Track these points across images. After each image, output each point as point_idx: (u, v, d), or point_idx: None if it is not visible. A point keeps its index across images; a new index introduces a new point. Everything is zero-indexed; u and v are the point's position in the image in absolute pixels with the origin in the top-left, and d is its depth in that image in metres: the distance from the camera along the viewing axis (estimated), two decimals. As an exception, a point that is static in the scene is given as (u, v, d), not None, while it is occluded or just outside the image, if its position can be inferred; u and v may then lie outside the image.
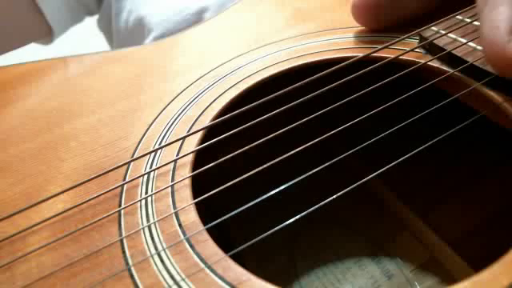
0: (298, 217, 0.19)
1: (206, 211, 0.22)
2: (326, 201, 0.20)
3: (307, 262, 0.29)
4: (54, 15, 0.48)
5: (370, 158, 0.24)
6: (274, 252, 0.30)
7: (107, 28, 0.54)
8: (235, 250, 0.18)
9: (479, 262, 0.18)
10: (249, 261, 0.29)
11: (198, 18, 0.45)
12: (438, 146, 0.23)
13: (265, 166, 0.21)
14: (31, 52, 0.51)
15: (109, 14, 0.52)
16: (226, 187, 0.21)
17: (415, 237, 0.29)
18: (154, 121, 0.26)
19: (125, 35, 0.51)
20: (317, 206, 0.20)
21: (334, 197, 0.20)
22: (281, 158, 0.22)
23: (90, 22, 0.57)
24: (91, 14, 0.54)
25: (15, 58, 0.48)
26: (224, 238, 0.30)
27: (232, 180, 0.21)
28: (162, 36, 0.45)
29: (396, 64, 0.27)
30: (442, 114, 0.24)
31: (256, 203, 0.20)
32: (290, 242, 0.30)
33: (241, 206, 0.20)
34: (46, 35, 0.50)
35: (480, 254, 0.20)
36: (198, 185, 0.22)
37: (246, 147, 0.22)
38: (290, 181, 0.21)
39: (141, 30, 0.47)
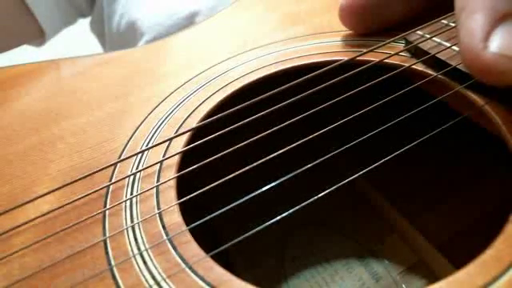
0: (279, 217, 0.19)
1: (195, 213, 0.22)
2: (308, 201, 0.20)
3: (295, 264, 0.30)
4: (45, 17, 0.48)
5: (360, 160, 0.24)
6: (262, 254, 0.30)
7: (100, 31, 0.54)
8: (216, 251, 0.18)
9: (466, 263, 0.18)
10: (237, 262, 0.29)
11: (189, 21, 0.45)
12: (435, 147, 0.23)
13: (250, 166, 0.21)
14: (25, 53, 0.52)
15: (101, 16, 0.52)
16: (213, 188, 0.21)
17: (403, 239, 0.30)
18: (142, 123, 0.26)
19: (117, 38, 0.51)
20: (299, 207, 0.20)
21: (318, 196, 0.20)
22: (267, 158, 0.22)
23: (84, 24, 0.57)
24: (84, 15, 0.55)
25: (7, 59, 0.49)
26: (213, 239, 0.30)
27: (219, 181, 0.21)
28: (154, 40, 0.45)
29: (382, 67, 0.27)
30: (432, 116, 0.25)
31: (245, 204, 0.20)
32: (279, 244, 0.30)
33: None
34: (38, 37, 0.50)
35: (469, 256, 0.20)
36: (187, 186, 0.22)
37: (231, 148, 0.22)
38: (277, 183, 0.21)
39: (133, 33, 0.47)
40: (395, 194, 0.31)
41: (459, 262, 0.26)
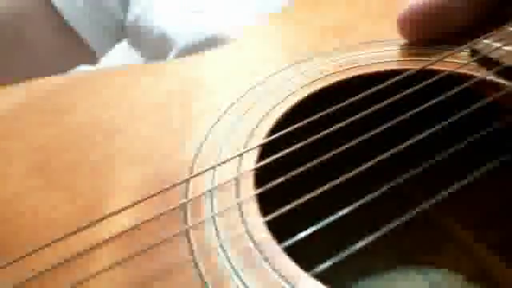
0: (360, 245, 0.20)
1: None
2: (383, 231, 0.20)
3: (351, 274, 0.29)
4: (93, 38, 0.50)
5: (421, 178, 0.24)
6: (317, 262, 0.30)
7: (136, 42, 0.54)
8: (317, 269, 0.18)
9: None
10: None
11: (221, 29, 0.45)
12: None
13: (324, 188, 0.22)
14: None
15: (133, 31, 0.52)
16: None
17: (462, 248, 0.29)
18: (209, 132, 0.26)
19: (150, 49, 0.51)
20: (378, 235, 0.20)
21: (393, 226, 0.20)
22: (337, 181, 0.22)
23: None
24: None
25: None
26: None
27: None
28: (185, 49, 0.45)
29: (449, 78, 0.27)
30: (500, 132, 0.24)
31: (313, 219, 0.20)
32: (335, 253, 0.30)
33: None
34: (90, 58, 0.52)
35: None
36: (265, 196, 0.22)
37: (305, 167, 0.23)
38: (348, 201, 0.21)
39: (164, 44, 0.47)
40: (449, 203, 0.31)
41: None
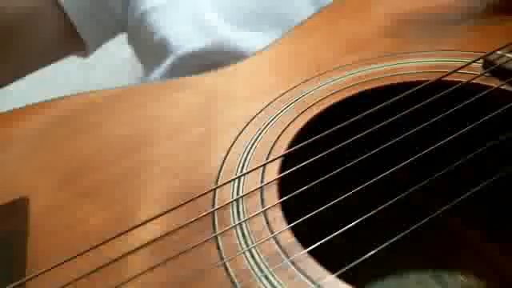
0: (372, 252, 0.20)
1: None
2: (399, 235, 0.21)
3: (368, 279, 0.30)
4: (86, 30, 0.50)
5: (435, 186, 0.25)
6: (334, 267, 0.30)
7: (135, 44, 0.55)
8: (342, 270, 0.19)
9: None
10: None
11: (221, 40, 0.45)
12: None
13: (343, 196, 0.23)
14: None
15: (134, 30, 0.53)
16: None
17: (479, 254, 0.30)
18: (232, 145, 0.27)
19: (149, 53, 0.52)
20: (396, 238, 0.21)
21: (409, 230, 0.21)
22: (353, 191, 0.23)
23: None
24: (124, 30, 0.55)
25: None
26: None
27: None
28: (183, 57, 0.46)
29: (462, 89, 0.27)
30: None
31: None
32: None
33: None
34: (80, 50, 0.52)
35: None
36: (289, 203, 0.23)
37: (327, 175, 0.24)
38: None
39: (163, 49, 0.48)
40: (466, 208, 0.31)
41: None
